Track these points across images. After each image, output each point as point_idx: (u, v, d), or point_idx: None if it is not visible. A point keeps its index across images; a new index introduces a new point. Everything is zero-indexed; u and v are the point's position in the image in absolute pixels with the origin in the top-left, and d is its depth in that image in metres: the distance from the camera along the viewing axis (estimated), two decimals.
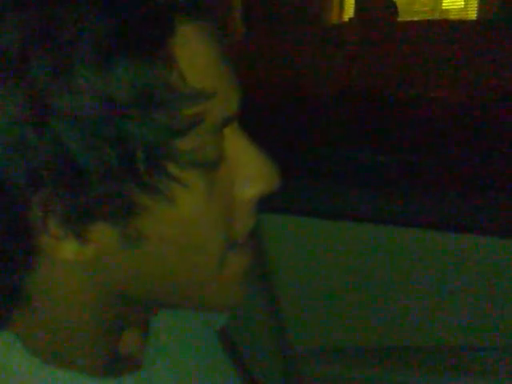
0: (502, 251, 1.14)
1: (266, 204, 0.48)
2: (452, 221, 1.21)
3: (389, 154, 1.72)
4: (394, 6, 3.44)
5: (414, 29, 3.21)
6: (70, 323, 0.46)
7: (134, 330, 0.53)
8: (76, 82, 0.35)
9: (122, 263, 0.43)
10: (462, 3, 3.30)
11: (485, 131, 2.06)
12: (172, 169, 0.39)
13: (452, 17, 3.04)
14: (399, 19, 3.19)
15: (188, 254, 0.44)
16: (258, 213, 0.47)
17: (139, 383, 0.50)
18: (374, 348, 1.22)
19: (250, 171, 0.45)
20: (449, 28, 3.33)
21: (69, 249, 0.40)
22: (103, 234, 0.40)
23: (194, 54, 0.39)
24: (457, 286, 1.17)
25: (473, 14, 3.08)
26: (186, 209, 0.41)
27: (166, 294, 0.47)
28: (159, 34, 0.37)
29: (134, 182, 0.38)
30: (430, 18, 3.04)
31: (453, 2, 3.38)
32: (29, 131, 0.35)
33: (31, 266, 0.41)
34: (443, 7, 3.40)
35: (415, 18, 3.10)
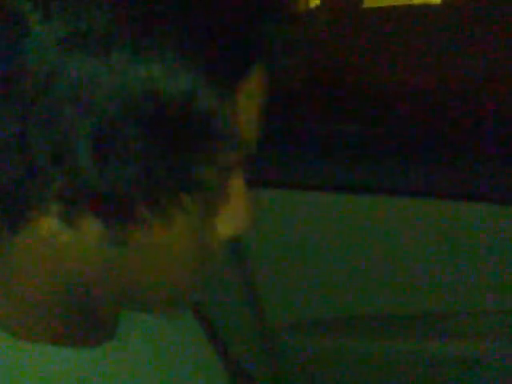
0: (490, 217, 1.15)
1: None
2: (434, 188, 1.22)
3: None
4: None
5: (378, 15, 3.24)
6: (39, 300, 0.47)
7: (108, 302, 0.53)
8: (138, 66, 0.35)
9: (93, 258, 0.43)
10: None
11: (452, 111, 2.10)
12: (182, 196, 0.40)
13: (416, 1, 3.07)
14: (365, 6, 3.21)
15: (158, 270, 0.46)
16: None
17: (112, 351, 0.51)
18: (355, 317, 1.23)
19: (236, 213, 0.47)
20: (413, 13, 3.37)
21: (49, 226, 0.40)
22: (89, 223, 0.40)
23: (251, 105, 0.41)
24: (440, 253, 1.18)
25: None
26: (177, 229, 0.42)
27: (125, 295, 0.49)
28: (241, 70, 0.39)
29: (143, 193, 0.39)
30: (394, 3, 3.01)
31: None
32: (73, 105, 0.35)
33: (15, 232, 0.41)
34: None
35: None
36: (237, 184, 0.46)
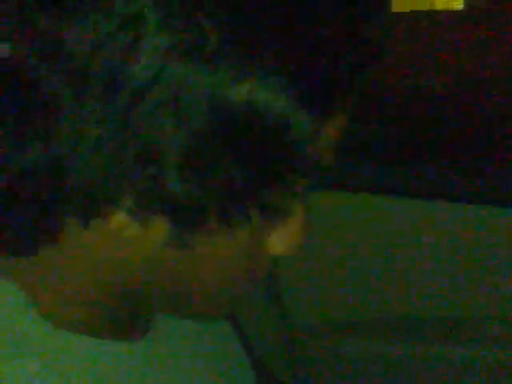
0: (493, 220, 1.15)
1: None
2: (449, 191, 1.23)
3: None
4: None
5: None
6: (83, 291, 0.47)
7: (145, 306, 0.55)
8: (240, 80, 0.36)
9: (153, 257, 0.44)
10: None
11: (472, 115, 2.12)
12: (253, 214, 0.41)
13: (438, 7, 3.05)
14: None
15: (214, 278, 0.47)
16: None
17: (149, 346, 0.52)
18: (376, 320, 1.23)
19: (291, 233, 0.47)
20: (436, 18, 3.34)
21: (117, 219, 0.40)
22: (157, 223, 0.41)
23: (333, 133, 0.41)
24: (459, 258, 1.18)
25: (459, 4, 3.09)
26: (239, 243, 0.44)
27: (166, 299, 0.49)
28: (337, 95, 0.39)
29: (216, 206, 0.40)
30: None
31: None
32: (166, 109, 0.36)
33: (86, 226, 0.41)
34: None
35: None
36: (299, 206, 0.47)
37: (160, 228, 0.41)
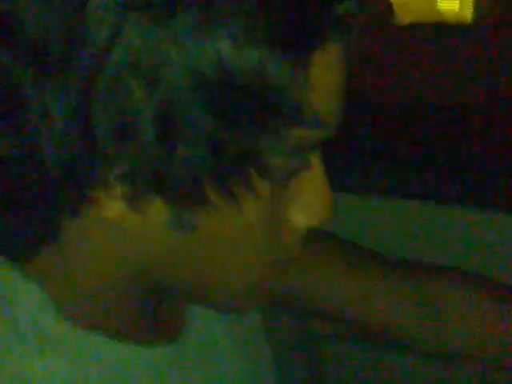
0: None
1: None
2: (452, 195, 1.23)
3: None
4: (391, 7, 3.47)
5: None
6: (101, 288, 0.47)
7: (170, 300, 0.53)
8: (206, 44, 0.34)
9: (158, 244, 0.42)
10: (458, 6, 3.35)
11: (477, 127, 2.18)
12: (253, 178, 0.39)
13: (447, 19, 3.09)
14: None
15: (227, 262, 0.44)
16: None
17: (172, 355, 0.50)
18: None
19: (312, 199, 0.44)
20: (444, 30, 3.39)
21: (115, 208, 0.40)
22: (156, 207, 0.40)
23: (329, 79, 0.39)
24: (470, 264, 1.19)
25: (468, 16, 3.11)
26: (246, 218, 0.41)
27: (188, 288, 0.47)
28: (312, 37, 0.36)
29: (212, 174, 0.37)
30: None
31: (448, 4, 3.42)
32: (140, 79, 0.34)
33: (76, 214, 0.40)
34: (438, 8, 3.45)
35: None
36: (314, 169, 0.44)
37: (159, 211, 0.40)
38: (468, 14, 3.25)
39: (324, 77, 0.38)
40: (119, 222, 0.41)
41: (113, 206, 0.40)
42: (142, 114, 0.34)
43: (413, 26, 3.45)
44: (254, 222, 0.42)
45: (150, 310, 0.52)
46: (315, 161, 0.43)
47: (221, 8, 0.34)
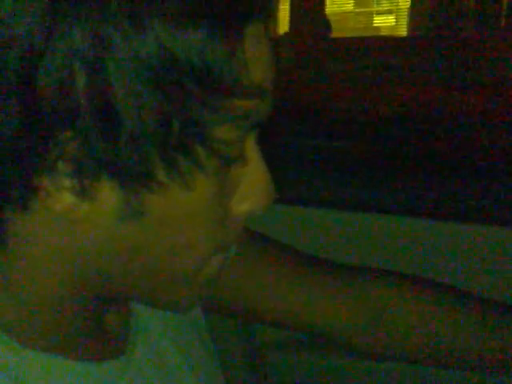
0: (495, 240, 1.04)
1: None
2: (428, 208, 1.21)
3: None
4: (328, 23, 3.97)
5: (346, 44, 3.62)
6: (46, 295, 0.41)
7: (115, 311, 0.50)
8: (145, 29, 0.32)
9: (109, 234, 0.38)
10: (393, 21, 3.49)
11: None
12: (199, 153, 0.36)
13: (383, 33, 3.48)
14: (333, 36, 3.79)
15: (178, 246, 0.41)
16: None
17: (119, 368, 0.46)
18: None
19: (253, 185, 0.42)
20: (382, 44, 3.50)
21: (64, 201, 0.36)
22: (105, 194, 0.36)
23: (259, 51, 0.37)
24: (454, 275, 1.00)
25: (403, 31, 3.42)
26: (195, 197, 0.38)
27: (139, 282, 0.43)
28: (243, 14, 0.36)
29: (160, 152, 0.35)
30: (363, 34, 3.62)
31: (384, 20, 3.53)
32: (82, 64, 0.32)
33: (21, 208, 0.36)
34: (374, 25, 3.62)
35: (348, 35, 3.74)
36: (254, 160, 0.42)
37: (109, 197, 0.36)
38: (403, 28, 2.87)
39: (256, 50, 0.37)
40: (68, 213, 0.36)
41: (61, 197, 0.35)
42: (86, 94, 0.32)
43: (351, 40, 3.70)
44: (203, 201, 0.39)
45: (95, 323, 0.46)
46: (254, 154, 0.42)
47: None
